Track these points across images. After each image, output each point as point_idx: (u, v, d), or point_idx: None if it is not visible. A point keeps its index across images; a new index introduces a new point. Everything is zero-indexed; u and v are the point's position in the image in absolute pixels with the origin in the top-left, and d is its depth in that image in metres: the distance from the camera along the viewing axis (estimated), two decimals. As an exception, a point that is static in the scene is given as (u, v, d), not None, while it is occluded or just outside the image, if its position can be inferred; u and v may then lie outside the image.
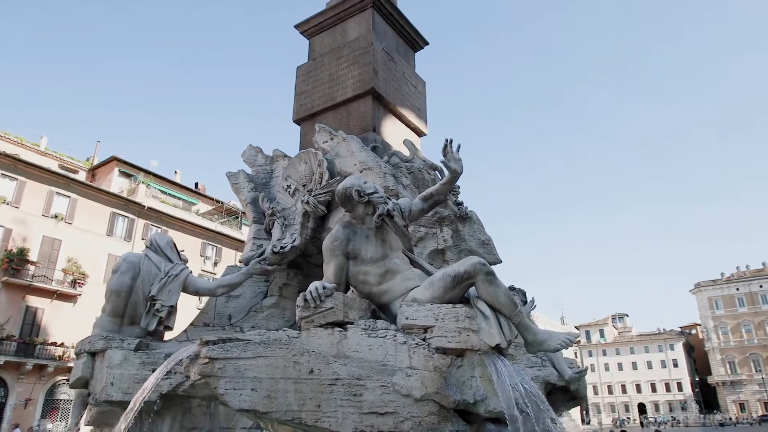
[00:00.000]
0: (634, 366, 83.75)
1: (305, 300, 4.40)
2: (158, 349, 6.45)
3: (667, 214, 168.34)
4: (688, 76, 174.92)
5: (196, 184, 43.52)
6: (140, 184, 31.51)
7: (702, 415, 71.51)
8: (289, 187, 8.17)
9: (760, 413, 65.96)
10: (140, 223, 30.33)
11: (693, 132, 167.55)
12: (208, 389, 3.80)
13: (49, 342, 25.32)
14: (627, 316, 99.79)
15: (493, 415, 4.11)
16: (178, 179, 39.62)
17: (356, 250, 4.85)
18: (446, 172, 5.66)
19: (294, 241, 7.24)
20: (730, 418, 65.76)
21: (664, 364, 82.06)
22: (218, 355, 3.68)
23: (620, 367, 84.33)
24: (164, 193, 34.60)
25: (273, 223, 7.90)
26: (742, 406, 70.72)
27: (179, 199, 36.41)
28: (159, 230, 31.50)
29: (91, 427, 6.83)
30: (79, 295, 26.49)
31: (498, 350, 4.43)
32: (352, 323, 4.54)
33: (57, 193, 26.86)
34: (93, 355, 6.24)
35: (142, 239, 30.35)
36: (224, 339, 3.90)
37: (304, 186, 7.91)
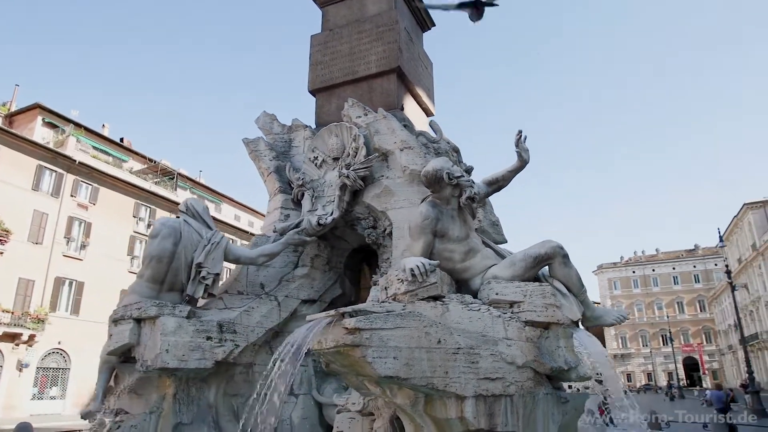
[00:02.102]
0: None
1: (413, 274, 4.65)
2: (205, 316, 6.42)
3: (578, 197, 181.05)
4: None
5: (122, 139, 40.67)
6: (69, 136, 28.91)
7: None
8: (316, 158, 8.19)
9: (644, 382, 74.36)
10: (69, 178, 27.91)
11: (605, 122, 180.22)
12: (344, 358, 4.00)
13: (-35, 303, 23.12)
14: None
15: (582, 381, 4.67)
16: (106, 133, 36.79)
17: (444, 228, 5.16)
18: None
19: (332, 214, 7.36)
20: (619, 387, 73.59)
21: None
22: (365, 326, 3.89)
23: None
24: (95, 148, 32.05)
25: (302, 194, 7.92)
26: (629, 377, 79.22)
27: (109, 154, 33.92)
28: (90, 187, 29.36)
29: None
30: (1, 253, 24.24)
31: (576, 324, 4.99)
32: (444, 297, 4.87)
33: (-26, 139, 24.12)
34: (138, 321, 6.09)
35: (72, 196, 28.18)
36: (358, 310, 4.10)
37: (335, 159, 7.97)
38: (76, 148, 29.16)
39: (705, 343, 72.41)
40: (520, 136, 5.72)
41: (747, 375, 18.37)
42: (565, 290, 5.07)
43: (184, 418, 6.03)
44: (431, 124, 8.54)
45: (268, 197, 8.59)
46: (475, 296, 5.10)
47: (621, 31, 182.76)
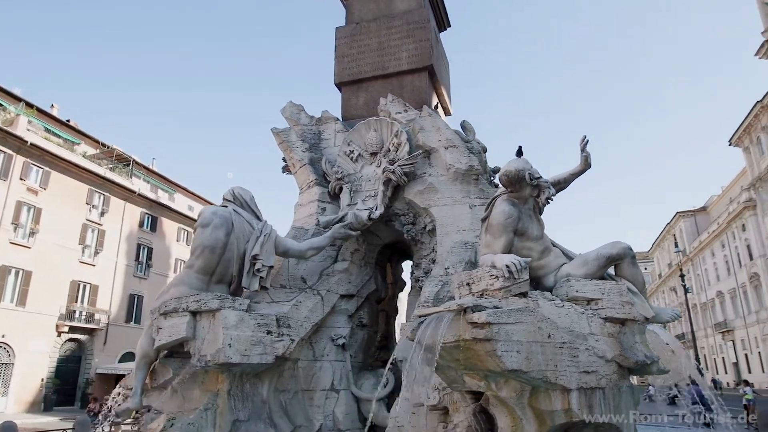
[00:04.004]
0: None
1: (509, 271, 4.77)
2: (260, 310, 6.27)
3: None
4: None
5: (68, 121, 38.26)
6: (20, 115, 26.82)
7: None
8: (351, 152, 8.13)
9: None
10: (19, 160, 25.90)
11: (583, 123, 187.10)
12: (462, 352, 4.06)
13: None
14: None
15: (661, 374, 4.95)
16: (55, 113, 34.48)
17: (524, 227, 5.31)
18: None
19: (377, 208, 7.34)
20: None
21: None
22: (494, 320, 3.97)
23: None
24: (47, 130, 29.91)
25: (340, 188, 7.85)
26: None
27: (60, 137, 31.79)
28: (41, 170, 27.46)
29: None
30: (-59, 238, 22.25)
31: (647, 321, 5.27)
32: (528, 294, 5.03)
33: None
34: (194, 314, 5.85)
35: (21, 179, 26.26)
36: (478, 305, 4.17)
37: (372, 154, 7.95)
38: (26, 128, 27.16)
39: (637, 340, 77.10)
40: (585, 141, 5.95)
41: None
42: (635, 289, 5.35)
43: (240, 415, 5.86)
44: (463, 123, 8.66)
45: (299, 189, 8.44)
46: (549, 293, 5.29)
47: (561, 29, 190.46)
